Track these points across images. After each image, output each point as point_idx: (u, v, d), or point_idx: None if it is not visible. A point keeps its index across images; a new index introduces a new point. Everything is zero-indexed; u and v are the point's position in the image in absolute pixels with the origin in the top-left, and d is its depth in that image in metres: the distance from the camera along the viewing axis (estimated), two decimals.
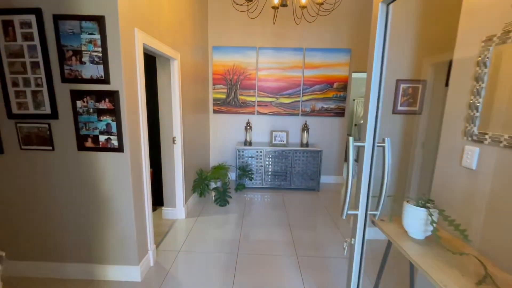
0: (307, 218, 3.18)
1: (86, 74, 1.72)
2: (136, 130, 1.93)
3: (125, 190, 1.88)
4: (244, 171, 3.96)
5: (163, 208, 3.06)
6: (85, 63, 1.71)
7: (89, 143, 1.81)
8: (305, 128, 4.08)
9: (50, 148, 1.82)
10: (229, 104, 4.32)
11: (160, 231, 2.75)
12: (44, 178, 1.88)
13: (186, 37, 3.03)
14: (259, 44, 4.15)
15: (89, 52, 1.69)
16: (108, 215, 1.92)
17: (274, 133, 4.13)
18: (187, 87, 3.11)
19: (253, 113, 4.33)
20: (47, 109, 1.77)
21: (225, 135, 4.45)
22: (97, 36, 1.67)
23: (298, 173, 4.01)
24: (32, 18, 1.66)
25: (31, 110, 1.78)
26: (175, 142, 2.90)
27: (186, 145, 3.13)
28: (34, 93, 1.75)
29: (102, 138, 1.80)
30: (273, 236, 2.71)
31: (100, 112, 1.77)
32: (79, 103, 1.76)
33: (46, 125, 1.79)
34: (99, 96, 1.75)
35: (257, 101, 4.29)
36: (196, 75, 3.47)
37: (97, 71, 1.71)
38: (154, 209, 3.23)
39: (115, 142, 1.81)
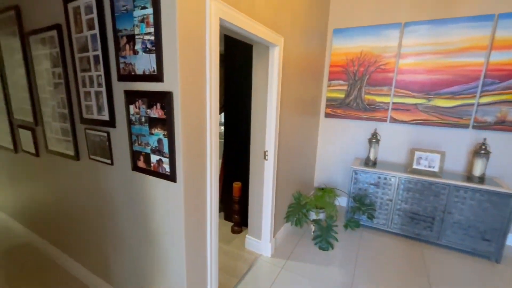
0: None
1: (139, 68, 1.22)
2: (199, 150, 1.30)
3: (175, 233, 1.31)
4: (361, 203, 2.79)
5: (247, 236, 2.45)
6: (137, 52, 1.21)
7: (141, 163, 1.34)
8: (480, 151, 2.41)
9: (109, 161, 1.48)
10: (349, 106, 3.20)
11: (237, 269, 2.14)
12: (104, 194, 1.60)
13: (295, 16, 2.20)
14: (405, 19, 2.77)
15: (141, 36, 1.17)
16: (157, 254, 1.42)
17: (417, 153, 2.70)
18: (289, 83, 2.31)
19: (384, 120, 3.03)
20: (106, 115, 1.42)
21: (337, 148, 3.39)
22: (149, 10, 1.12)
23: (458, 224, 2.44)
24: None
25: (95, 115, 1.48)
26: (266, 157, 2.18)
27: (282, 159, 2.36)
28: (97, 94, 1.44)
29: (153, 158, 1.29)
30: None
31: (152, 123, 1.24)
32: (131, 109, 1.30)
33: (105, 134, 1.46)
34: (151, 99, 1.22)
35: (393, 102, 2.94)
36: (304, 67, 2.61)
37: (150, 63, 1.18)
38: (238, 231, 2.69)
39: (166, 167, 1.25)
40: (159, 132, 1.23)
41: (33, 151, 1.98)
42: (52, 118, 1.74)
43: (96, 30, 1.32)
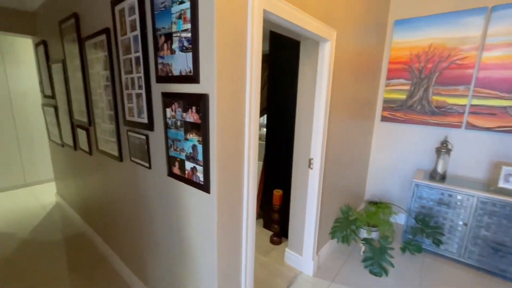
0: None
1: (175, 69, 1.14)
2: (235, 159, 1.17)
3: (208, 247, 1.20)
4: (425, 223, 2.35)
5: (287, 249, 2.26)
6: (174, 51, 1.12)
7: (176, 169, 1.27)
8: None
9: (148, 165, 1.45)
10: (411, 108, 2.75)
11: (274, 285, 1.97)
12: (142, 198, 1.58)
13: (349, 6, 1.93)
14: (493, 1, 2.24)
15: (178, 34, 1.08)
16: (189, 264, 1.34)
17: (505, 168, 2.15)
18: (340, 83, 2.04)
19: (457, 126, 2.51)
20: (145, 118, 1.39)
21: (395, 157, 2.95)
22: (187, 4, 1.02)
23: None
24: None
25: (136, 118, 1.46)
26: (311, 166, 1.96)
27: (329, 168, 2.11)
28: (137, 96, 1.41)
29: (188, 165, 1.19)
30: None
31: (187, 127, 1.15)
32: (168, 112, 1.23)
33: (144, 137, 1.43)
34: (186, 102, 1.12)
35: (472, 105, 2.42)
36: (358, 65, 2.29)
37: (186, 62, 1.08)
38: (277, 242, 2.51)
39: (200, 176, 1.14)
40: (193, 138, 1.13)
41: (87, 149, 2.11)
42: (102, 119, 1.81)
43: (138, 31, 1.29)
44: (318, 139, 1.89)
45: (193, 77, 1.06)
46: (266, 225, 2.79)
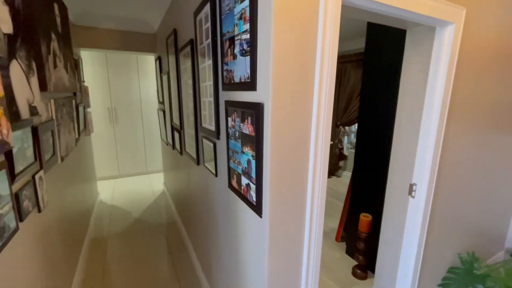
0: None
1: (236, 75, 1.04)
2: (296, 180, 0.96)
3: (259, 273, 1.04)
4: None
5: None
6: (236, 56, 1.03)
7: (234, 182, 1.17)
8: None
9: (214, 173, 1.44)
10: None
11: None
12: (209, 204, 1.59)
13: None
14: None
15: (239, 36, 0.98)
16: (244, 285, 1.22)
17: None
18: (468, 82, 1.45)
19: None
20: (213, 125, 1.37)
21: None
22: (246, 3, 0.90)
23: None
24: (207, 6, 1.26)
25: (208, 125, 1.48)
26: (413, 194, 1.48)
27: (441, 197, 1.55)
28: (209, 104, 1.42)
29: (243, 180, 1.08)
30: None
31: (243, 139, 1.03)
32: (229, 121, 1.15)
33: (212, 145, 1.41)
34: (244, 111, 1.00)
35: None
36: (501, 55, 1.58)
37: (245, 68, 0.96)
38: (362, 276, 2.08)
39: (253, 195, 1.00)
40: (248, 152, 0.99)
41: (179, 150, 2.36)
42: (187, 125, 1.96)
43: (209, 38, 1.27)
44: (425, 159, 1.40)
45: (250, 84, 0.93)
46: (349, 252, 2.37)
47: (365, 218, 2.02)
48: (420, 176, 1.44)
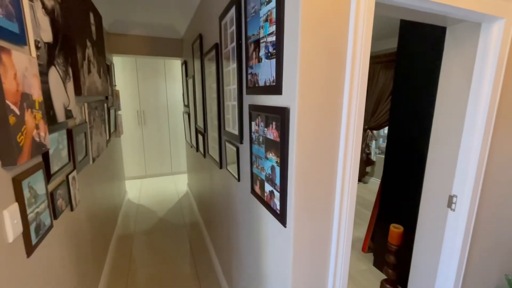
0: None
1: (261, 79, 1.02)
2: (323, 189, 0.90)
3: (281, 283, 1.00)
4: None
5: None
6: (261, 59, 1.00)
7: (257, 188, 1.14)
8: None
9: (237, 177, 1.42)
10: None
11: None
12: (231, 209, 1.57)
13: None
14: None
15: (265, 39, 0.95)
16: None
17: None
18: None
19: None
20: (236, 129, 1.35)
21: None
22: (273, 3, 0.87)
23: None
24: (232, 9, 1.25)
25: (231, 129, 1.46)
26: (453, 207, 1.35)
27: (487, 211, 1.40)
28: (232, 108, 1.40)
29: (267, 187, 1.04)
30: None
31: (268, 145, 1.00)
32: (253, 125, 1.12)
33: (235, 149, 1.40)
34: (268, 116, 0.97)
35: None
36: None
37: (270, 71, 0.93)
38: None
39: (277, 203, 0.96)
40: (273, 158, 0.96)
41: (202, 152, 2.38)
42: (211, 128, 1.97)
43: (234, 42, 1.26)
44: (469, 168, 1.27)
45: (275, 87, 0.90)
46: (377, 264, 2.23)
47: (395, 229, 1.89)
48: (462, 187, 1.30)
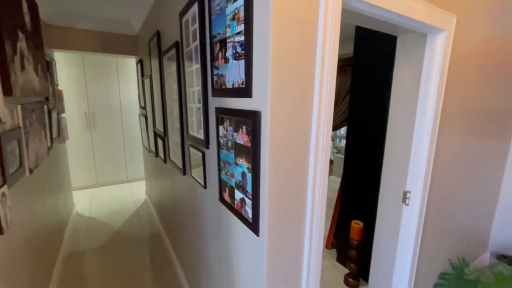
0: None
1: (229, 81, 0.96)
2: (295, 195, 0.89)
3: None
4: None
5: None
6: (228, 60, 0.95)
7: (226, 196, 1.09)
8: None
9: (203, 184, 1.34)
10: None
11: None
12: (198, 217, 1.48)
13: None
14: None
15: (232, 38, 0.90)
16: None
17: None
18: (458, 89, 1.46)
19: None
20: (202, 134, 1.28)
21: None
22: (240, 2, 0.83)
23: None
24: (195, 6, 1.17)
25: (195, 133, 1.38)
26: (407, 202, 1.46)
27: (434, 204, 1.54)
28: (197, 110, 1.32)
29: (237, 194, 0.99)
30: None
31: (237, 150, 0.95)
32: (220, 129, 1.06)
33: (201, 154, 1.32)
34: (237, 119, 0.92)
35: None
36: (490, 62, 1.62)
37: (238, 72, 0.89)
38: (354, 285, 2.04)
39: (249, 211, 0.92)
40: (243, 164, 0.91)
41: (163, 158, 2.23)
42: (172, 132, 1.84)
43: (197, 40, 1.19)
44: (419, 166, 1.39)
45: (245, 90, 0.85)
46: (341, 259, 2.34)
47: (356, 225, 2.00)
48: (414, 183, 1.42)
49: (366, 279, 2.02)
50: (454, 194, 1.68)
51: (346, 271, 2.22)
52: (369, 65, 1.92)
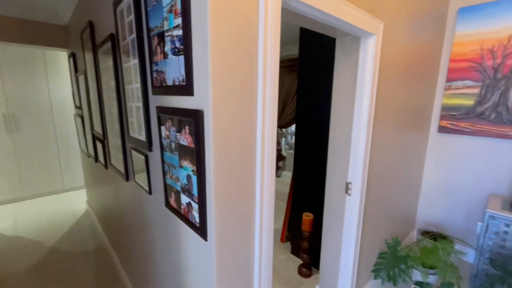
0: None
1: (169, 77, 0.90)
2: (243, 196, 0.88)
3: None
4: (507, 271, 1.78)
5: (317, 287, 1.89)
6: (167, 55, 0.89)
7: (172, 201, 1.02)
8: None
9: (148, 190, 1.24)
10: (482, 117, 2.18)
11: None
12: (144, 224, 1.38)
13: None
14: None
15: (170, 32, 0.84)
16: None
17: None
18: (386, 88, 1.63)
19: None
20: (143, 135, 1.18)
21: (458, 177, 2.37)
22: None
23: None
24: None
25: (137, 134, 1.27)
26: (349, 192, 1.58)
27: (372, 192, 1.70)
28: (137, 110, 1.22)
29: (183, 199, 0.94)
30: None
31: (181, 152, 0.90)
32: (163, 130, 1.00)
33: (144, 158, 1.22)
34: (180, 119, 0.87)
35: None
36: (410, 65, 1.85)
37: (178, 69, 0.83)
38: (307, 274, 2.14)
39: (196, 215, 0.88)
40: (188, 166, 0.87)
41: (103, 162, 2.01)
42: (112, 133, 1.68)
43: (134, 33, 1.09)
44: (358, 158, 1.51)
45: (186, 88, 0.81)
46: (295, 251, 2.44)
47: (307, 217, 2.10)
48: (355, 174, 1.54)
49: (318, 267, 2.14)
50: (387, 182, 1.89)
51: (300, 262, 2.32)
52: (313, 65, 2.02)
